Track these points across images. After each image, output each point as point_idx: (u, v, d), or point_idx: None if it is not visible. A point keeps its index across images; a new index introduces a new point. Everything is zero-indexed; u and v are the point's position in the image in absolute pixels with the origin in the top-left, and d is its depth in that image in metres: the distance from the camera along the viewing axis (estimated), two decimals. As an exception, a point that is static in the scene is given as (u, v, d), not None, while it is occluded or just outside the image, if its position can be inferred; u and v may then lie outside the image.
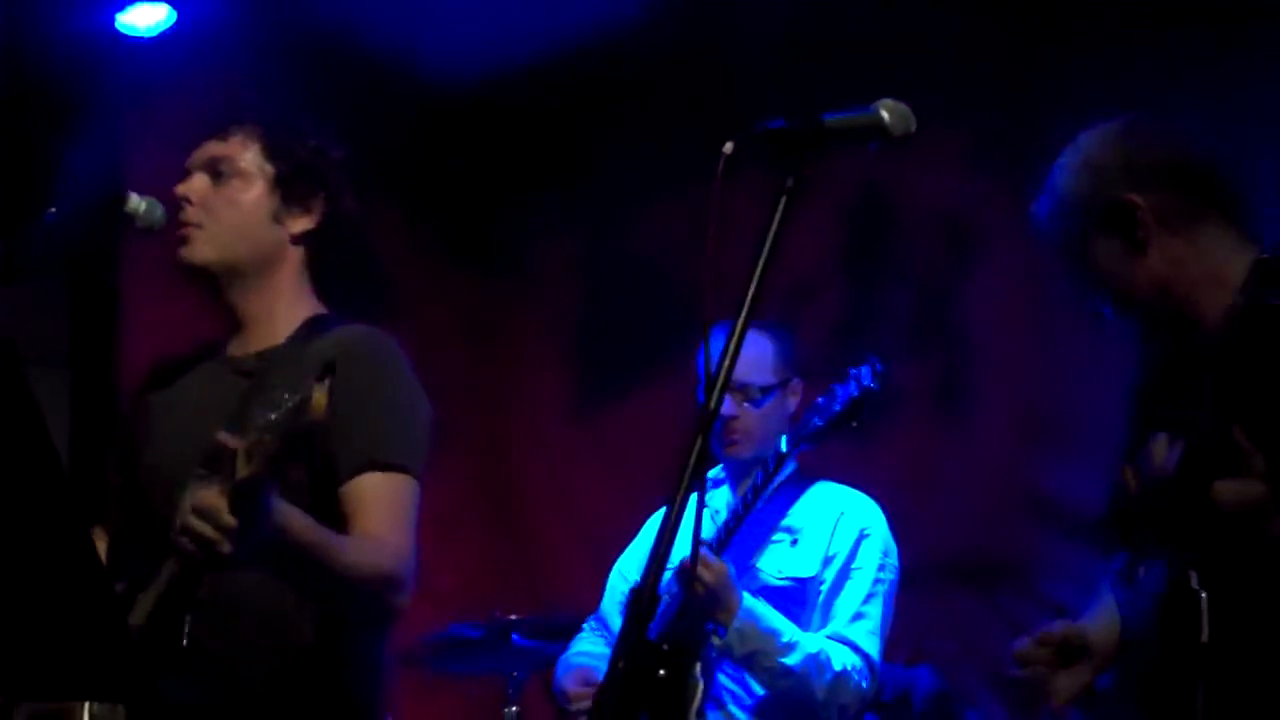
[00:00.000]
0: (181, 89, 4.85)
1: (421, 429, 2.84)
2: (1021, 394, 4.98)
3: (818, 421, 3.53)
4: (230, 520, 2.34)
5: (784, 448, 3.57)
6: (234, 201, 2.86)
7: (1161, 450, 2.30)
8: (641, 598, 1.80)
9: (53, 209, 2.78)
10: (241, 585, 2.65)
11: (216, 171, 2.87)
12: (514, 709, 4.62)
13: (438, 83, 5.70)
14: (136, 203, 2.86)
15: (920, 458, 4.84)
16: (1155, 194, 2.55)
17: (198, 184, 2.87)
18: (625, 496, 4.89)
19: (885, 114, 2.13)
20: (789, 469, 3.66)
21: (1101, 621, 2.56)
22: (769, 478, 3.58)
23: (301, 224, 2.89)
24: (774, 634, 3.50)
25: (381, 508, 2.71)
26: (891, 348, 4.54)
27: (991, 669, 4.81)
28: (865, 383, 3.49)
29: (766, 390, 3.69)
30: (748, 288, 1.99)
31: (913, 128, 2.14)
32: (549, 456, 5.95)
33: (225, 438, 2.40)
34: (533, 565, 5.84)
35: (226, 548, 2.35)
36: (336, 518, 2.69)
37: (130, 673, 1.96)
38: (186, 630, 2.54)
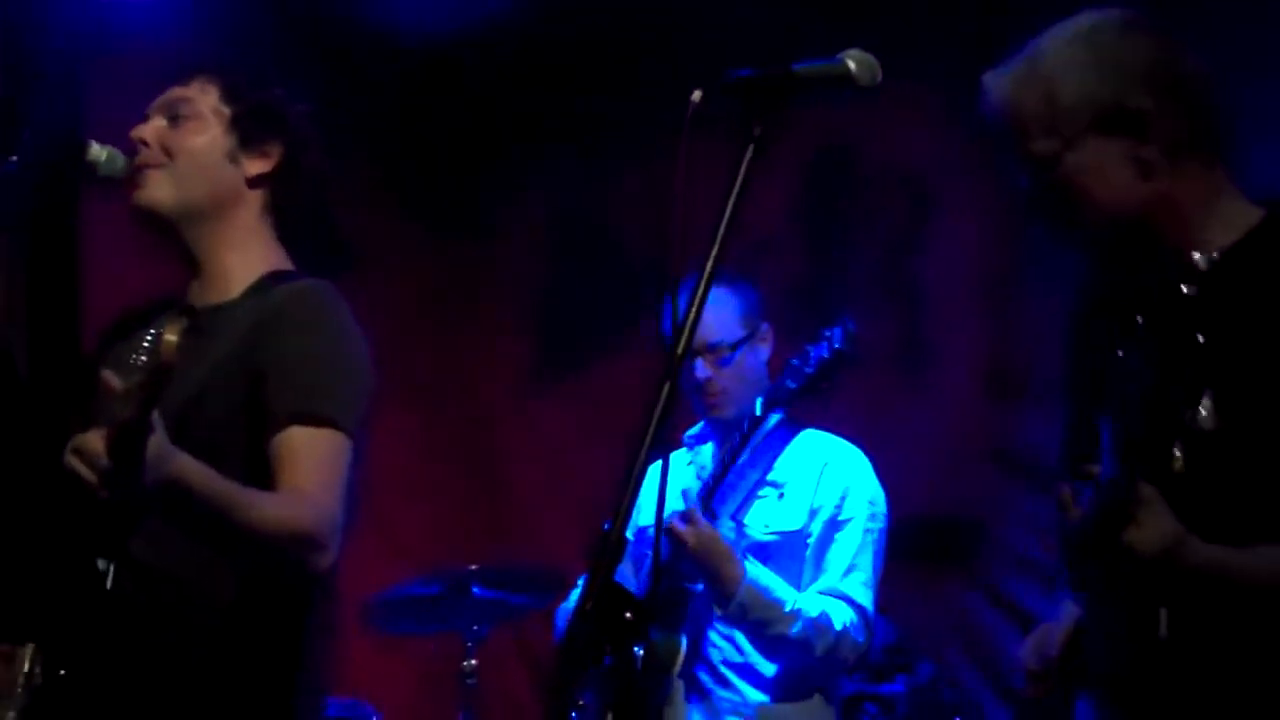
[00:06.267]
0: (142, 39, 4.81)
1: (357, 386, 2.73)
2: (983, 349, 5.01)
3: (791, 384, 3.51)
4: (105, 462, 2.28)
5: (759, 411, 3.55)
6: (190, 142, 2.81)
7: (1068, 501, 2.19)
8: (607, 541, 1.81)
9: (12, 158, 2.74)
10: (167, 536, 2.58)
11: (174, 114, 2.84)
12: (473, 662, 4.60)
13: (404, 45, 5.67)
14: (98, 152, 2.82)
15: (881, 414, 4.87)
16: (1174, 114, 2.30)
17: (154, 126, 2.83)
18: (596, 449, 4.91)
19: (852, 64, 2.14)
20: (772, 421, 3.62)
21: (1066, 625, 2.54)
22: (745, 440, 3.56)
23: (257, 166, 2.84)
24: (778, 604, 3.50)
25: (307, 462, 2.60)
26: (853, 304, 4.56)
27: (953, 620, 4.88)
28: (837, 345, 3.46)
29: (735, 345, 3.68)
30: (714, 236, 1.99)
31: (879, 78, 2.15)
32: (518, 411, 5.97)
33: (108, 376, 2.33)
34: (503, 519, 5.85)
35: (102, 493, 2.30)
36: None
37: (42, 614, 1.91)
38: (110, 578, 2.51)
